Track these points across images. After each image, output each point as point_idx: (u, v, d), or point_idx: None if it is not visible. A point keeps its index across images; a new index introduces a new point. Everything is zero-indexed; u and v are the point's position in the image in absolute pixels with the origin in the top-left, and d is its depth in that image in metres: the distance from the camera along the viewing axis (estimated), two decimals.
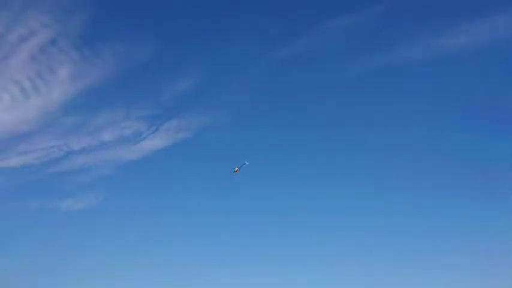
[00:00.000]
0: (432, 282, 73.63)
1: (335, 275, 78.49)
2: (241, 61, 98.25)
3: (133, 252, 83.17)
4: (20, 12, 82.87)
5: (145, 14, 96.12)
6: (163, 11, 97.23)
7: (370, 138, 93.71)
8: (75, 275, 78.26)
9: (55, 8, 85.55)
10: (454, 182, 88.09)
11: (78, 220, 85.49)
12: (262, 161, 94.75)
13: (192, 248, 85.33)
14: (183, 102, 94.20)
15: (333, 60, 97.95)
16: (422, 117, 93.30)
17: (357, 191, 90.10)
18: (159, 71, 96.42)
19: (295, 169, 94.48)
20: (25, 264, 78.40)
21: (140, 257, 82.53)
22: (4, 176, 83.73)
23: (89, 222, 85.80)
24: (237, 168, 69.91)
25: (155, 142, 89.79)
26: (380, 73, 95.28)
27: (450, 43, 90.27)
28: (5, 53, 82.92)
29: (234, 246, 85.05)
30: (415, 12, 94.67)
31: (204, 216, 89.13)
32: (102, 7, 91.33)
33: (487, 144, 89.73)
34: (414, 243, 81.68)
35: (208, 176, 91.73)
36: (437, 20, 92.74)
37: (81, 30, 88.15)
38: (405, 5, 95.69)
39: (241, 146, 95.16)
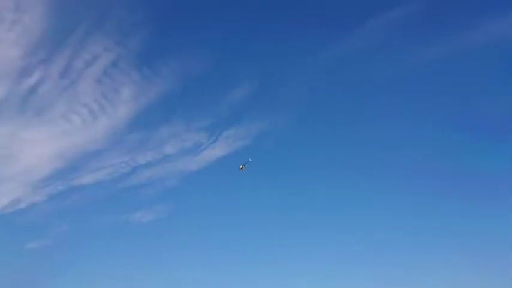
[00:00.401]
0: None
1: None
2: (294, 64, 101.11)
3: (204, 257, 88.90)
4: (84, 39, 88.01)
5: (197, 29, 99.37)
6: (215, 23, 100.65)
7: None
8: (151, 284, 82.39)
9: (114, 31, 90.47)
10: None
11: (150, 231, 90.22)
12: (322, 161, 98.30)
13: (262, 249, 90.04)
14: (240, 110, 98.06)
15: (385, 55, 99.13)
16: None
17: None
18: (215, 81, 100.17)
19: (355, 169, 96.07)
20: (102, 275, 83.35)
21: (210, 261, 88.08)
22: (80, 193, 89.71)
23: (160, 233, 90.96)
24: (242, 166, 71.93)
25: (216, 151, 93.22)
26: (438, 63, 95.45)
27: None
28: (73, 79, 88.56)
29: (307, 246, 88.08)
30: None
31: (269, 218, 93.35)
32: (157, 27, 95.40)
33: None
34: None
35: (269, 180, 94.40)
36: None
37: (139, 51, 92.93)
38: None
39: (299, 148, 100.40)
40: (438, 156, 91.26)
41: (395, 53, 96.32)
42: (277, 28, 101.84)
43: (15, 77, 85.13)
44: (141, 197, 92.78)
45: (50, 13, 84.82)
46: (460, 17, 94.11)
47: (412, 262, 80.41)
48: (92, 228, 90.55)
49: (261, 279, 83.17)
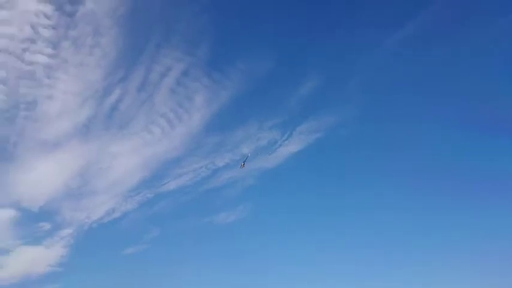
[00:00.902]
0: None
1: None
2: (359, 53, 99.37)
3: (287, 256, 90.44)
4: (155, 54, 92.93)
5: (260, 28, 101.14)
6: (276, 21, 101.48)
7: None
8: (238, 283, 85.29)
9: (182, 42, 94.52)
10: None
11: (234, 231, 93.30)
12: (396, 154, 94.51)
13: (341, 250, 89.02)
14: (310, 104, 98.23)
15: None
16: None
17: None
18: (283, 78, 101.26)
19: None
20: (194, 275, 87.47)
21: (293, 260, 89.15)
22: (166, 199, 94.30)
23: (244, 232, 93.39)
24: (243, 164, 71.76)
25: (290, 148, 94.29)
26: None
27: None
28: (149, 92, 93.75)
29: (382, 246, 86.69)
30: None
31: (355, 213, 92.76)
32: (221, 32, 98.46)
33: None
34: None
35: (346, 172, 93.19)
36: None
37: (207, 57, 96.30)
38: None
39: (372, 138, 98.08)
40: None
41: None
42: (338, 20, 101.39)
43: (98, 97, 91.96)
44: (223, 198, 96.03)
45: (123, 34, 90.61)
46: None
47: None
48: (180, 232, 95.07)
49: (343, 280, 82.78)
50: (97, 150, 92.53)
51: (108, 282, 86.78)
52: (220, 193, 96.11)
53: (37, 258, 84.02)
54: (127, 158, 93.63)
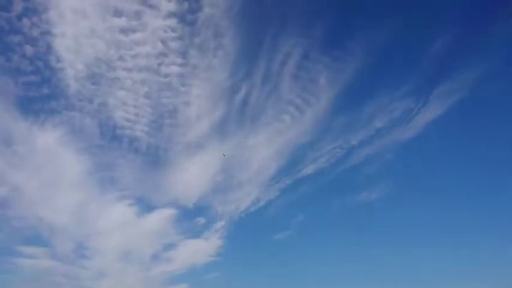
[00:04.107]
0: None
1: None
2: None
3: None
4: (273, 44, 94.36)
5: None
6: None
7: None
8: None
9: (298, 26, 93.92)
10: None
11: (378, 209, 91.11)
12: None
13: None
14: (444, 63, 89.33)
15: None
16: None
17: None
18: (408, 41, 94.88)
19: None
20: (342, 257, 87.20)
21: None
22: (305, 183, 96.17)
23: (388, 210, 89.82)
24: None
25: (428, 114, 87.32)
26: None
27: None
28: (274, 82, 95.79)
29: None
30: None
31: None
32: (336, 9, 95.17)
33: None
34: None
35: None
36: None
37: (325, 37, 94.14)
38: None
39: None
40: None
41: None
42: None
43: (228, 96, 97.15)
44: (362, 176, 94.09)
45: (241, 31, 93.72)
46: None
47: None
48: (324, 214, 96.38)
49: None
50: (235, 145, 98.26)
51: (263, 267, 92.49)
52: (359, 171, 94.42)
53: (198, 250, 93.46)
54: (263, 149, 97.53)
